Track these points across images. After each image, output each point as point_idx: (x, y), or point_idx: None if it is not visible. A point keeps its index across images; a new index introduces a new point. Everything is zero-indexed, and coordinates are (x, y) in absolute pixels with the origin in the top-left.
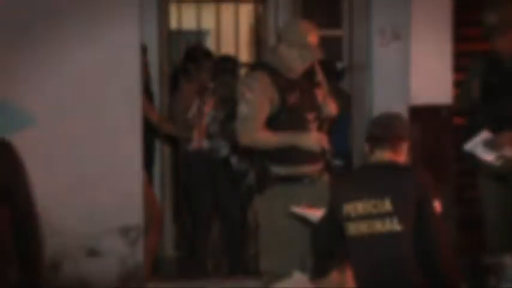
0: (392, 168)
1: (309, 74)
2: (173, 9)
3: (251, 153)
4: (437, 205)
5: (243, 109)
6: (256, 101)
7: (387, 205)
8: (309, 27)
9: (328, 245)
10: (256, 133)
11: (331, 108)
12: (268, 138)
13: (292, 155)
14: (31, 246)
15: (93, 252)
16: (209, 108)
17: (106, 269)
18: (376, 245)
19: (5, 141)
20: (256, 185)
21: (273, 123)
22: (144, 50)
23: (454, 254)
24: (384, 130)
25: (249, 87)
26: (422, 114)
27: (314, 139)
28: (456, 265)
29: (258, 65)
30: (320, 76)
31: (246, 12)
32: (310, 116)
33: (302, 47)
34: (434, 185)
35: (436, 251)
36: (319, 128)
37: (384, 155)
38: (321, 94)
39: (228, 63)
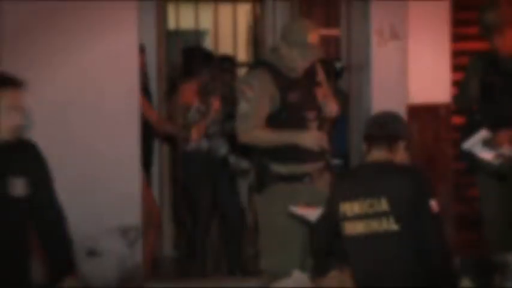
0: (388, 167)
1: (310, 73)
2: (171, 9)
3: (251, 152)
4: (434, 204)
5: (242, 107)
6: (256, 98)
7: (383, 204)
8: (310, 26)
9: (326, 244)
10: (256, 131)
11: (332, 108)
12: (268, 136)
13: (292, 153)
14: (61, 245)
15: (92, 253)
16: (215, 110)
17: (105, 269)
18: (373, 244)
19: (33, 142)
20: (256, 184)
21: (272, 121)
22: (142, 50)
23: (451, 254)
24: (381, 129)
25: (249, 85)
26: (421, 113)
27: (313, 138)
28: (454, 265)
29: (259, 63)
30: (321, 76)
31: (244, 11)
32: (310, 115)
33: (302, 46)
34: (432, 184)
35: (433, 250)
36: (320, 127)
37: (380, 154)
38: (322, 94)
39: (227, 63)
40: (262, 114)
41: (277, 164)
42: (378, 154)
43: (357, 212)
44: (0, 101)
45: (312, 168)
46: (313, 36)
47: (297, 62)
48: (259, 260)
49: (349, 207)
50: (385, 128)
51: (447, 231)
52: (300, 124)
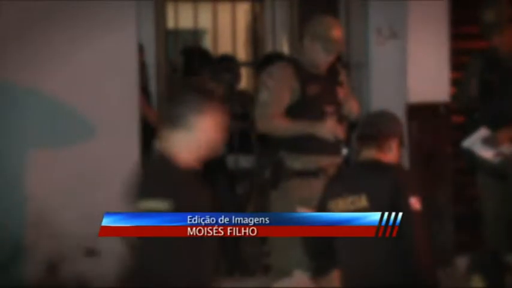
0: (373, 166)
1: (332, 72)
2: (170, 9)
3: (265, 147)
4: (415, 202)
5: (263, 95)
6: (276, 88)
7: (363, 201)
8: (333, 22)
9: (319, 244)
10: (274, 119)
11: (353, 107)
12: (285, 125)
13: (308, 143)
14: None
15: (91, 252)
16: None
17: (104, 269)
18: (355, 242)
19: None
20: (271, 179)
21: (291, 113)
22: (141, 49)
23: (431, 254)
24: (371, 129)
25: (270, 75)
26: (420, 112)
27: (329, 127)
28: (433, 265)
29: (277, 56)
30: (343, 76)
31: (243, 10)
32: (330, 109)
33: (325, 40)
34: (414, 183)
35: (411, 250)
36: (338, 122)
37: (370, 154)
38: (343, 93)
39: (228, 63)
40: (281, 103)
41: (292, 158)
42: (368, 153)
43: (341, 209)
44: (204, 117)
45: (327, 162)
46: (337, 32)
47: (320, 56)
48: (271, 256)
49: (335, 205)
50: (375, 127)
51: (448, 230)
52: (319, 117)
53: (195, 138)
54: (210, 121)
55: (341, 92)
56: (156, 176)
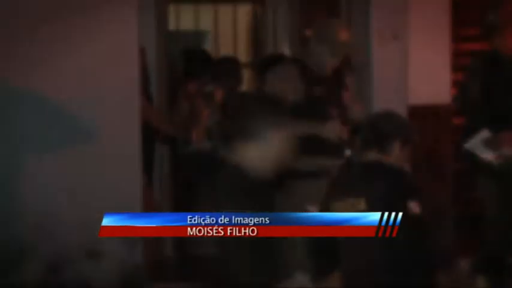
0: (374, 168)
1: (338, 75)
2: (171, 10)
3: None
4: (414, 206)
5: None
6: (280, 88)
7: (362, 204)
8: (340, 25)
9: (320, 244)
10: None
11: (358, 109)
12: None
13: (312, 145)
14: None
15: (92, 254)
16: (217, 101)
17: (106, 270)
18: (354, 244)
19: None
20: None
21: (295, 113)
22: (142, 51)
23: (430, 256)
24: (372, 130)
25: (276, 76)
26: (421, 114)
27: (332, 128)
28: (432, 267)
29: (278, 57)
30: (348, 79)
31: (244, 12)
32: (334, 112)
33: (332, 43)
34: (414, 186)
35: (410, 252)
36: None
37: (372, 155)
38: (348, 96)
39: (229, 65)
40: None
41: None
42: (370, 155)
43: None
44: (278, 130)
45: (330, 163)
46: (343, 35)
47: (326, 59)
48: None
49: (337, 207)
50: (376, 128)
51: (448, 231)
52: (323, 119)
53: (269, 150)
54: (284, 133)
55: (346, 95)
56: (236, 187)
